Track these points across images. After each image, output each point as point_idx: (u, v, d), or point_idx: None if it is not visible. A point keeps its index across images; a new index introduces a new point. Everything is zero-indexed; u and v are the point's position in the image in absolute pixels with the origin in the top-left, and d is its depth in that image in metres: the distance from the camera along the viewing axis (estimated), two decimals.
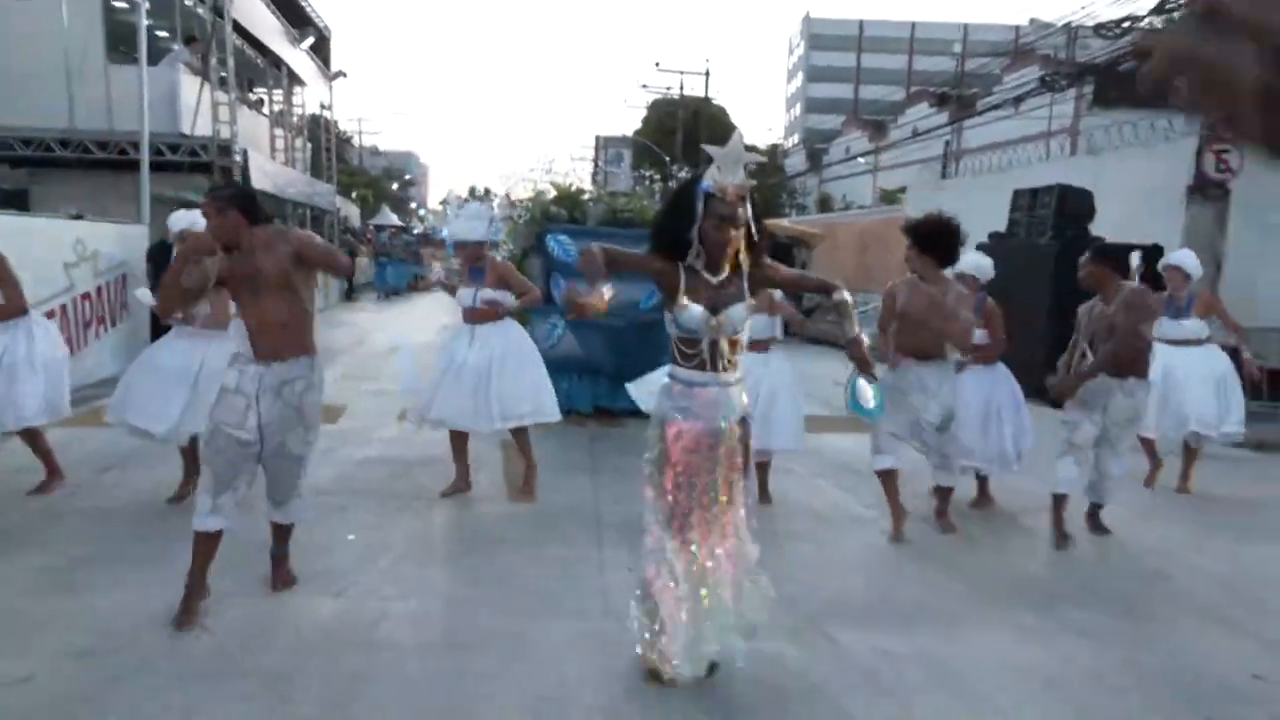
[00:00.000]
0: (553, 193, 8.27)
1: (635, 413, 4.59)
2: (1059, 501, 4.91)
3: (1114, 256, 4.97)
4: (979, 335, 5.37)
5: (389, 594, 3.91)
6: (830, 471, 6.35)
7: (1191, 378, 5.98)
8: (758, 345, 5.23)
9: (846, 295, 3.12)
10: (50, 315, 7.62)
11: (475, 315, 5.34)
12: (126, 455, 5.96)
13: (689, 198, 2.93)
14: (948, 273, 5.03)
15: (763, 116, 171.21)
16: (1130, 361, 4.83)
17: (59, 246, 8.61)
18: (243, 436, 3.50)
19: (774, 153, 44.98)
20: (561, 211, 7.97)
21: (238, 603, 3.72)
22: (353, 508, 5.14)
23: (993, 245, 11.57)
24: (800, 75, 73.81)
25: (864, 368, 3.07)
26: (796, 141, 58.44)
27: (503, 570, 4.25)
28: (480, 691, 3.08)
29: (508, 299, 5.35)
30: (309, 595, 3.84)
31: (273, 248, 3.51)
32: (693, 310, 2.91)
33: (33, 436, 5.19)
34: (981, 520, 5.42)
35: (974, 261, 5.47)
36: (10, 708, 2.90)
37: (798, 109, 73.68)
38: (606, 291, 2.79)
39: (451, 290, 5.51)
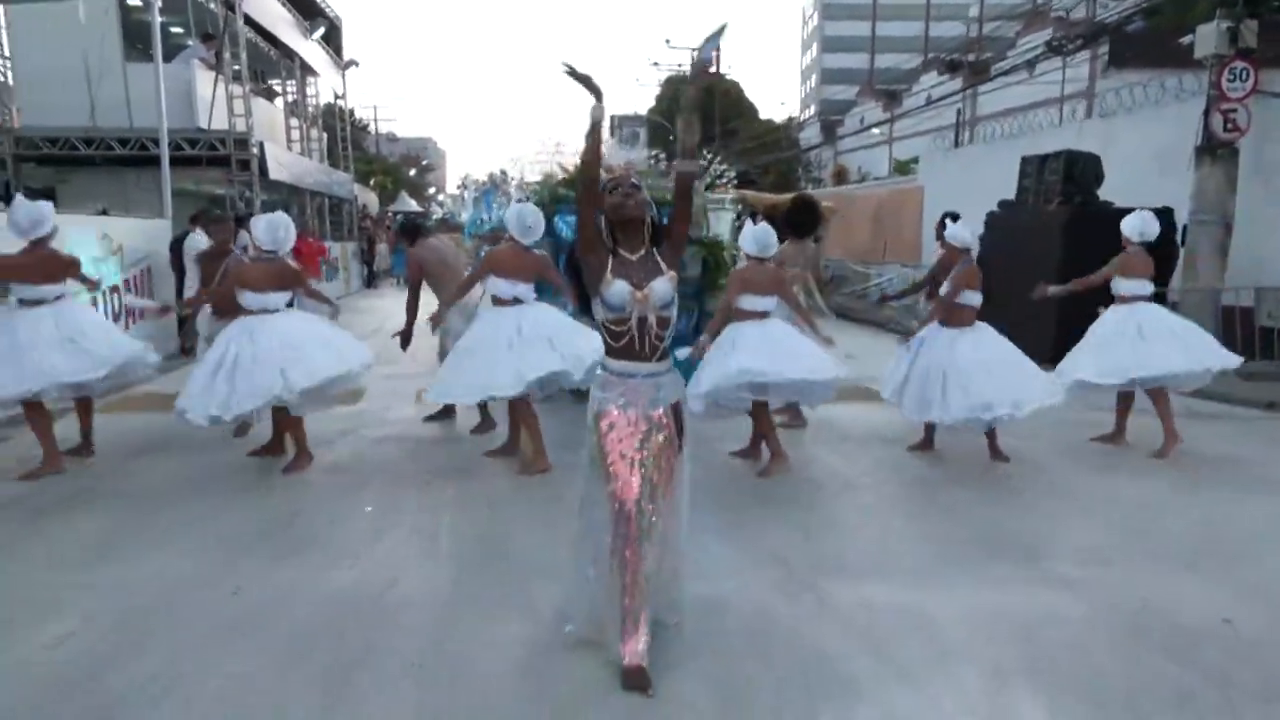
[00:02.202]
0: (561, 175, 8.41)
1: None
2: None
3: None
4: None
5: (401, 564, 4.15)
6: (830, 440, 6.51)
7: (1160, 333, 6.00)
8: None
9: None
10: None
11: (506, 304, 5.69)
12: (158, 441, 6.26)
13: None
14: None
15: (778, 90, 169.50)
16: None
17: (88, 242, 8.92)
18: None
19: (788, 126, 44.70)
20: (571, 193, 8.10)
21: (265, 570, 4.00)
22: (369, 483, 5.41)
23: (1002, 213, 11.62)
24: (815, 46, 73.03)
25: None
26: (813, 114, 57.87)
27: (511, 541, 4.47)
28: (488, 655, 3.26)
29: (529, 295, 5.71)
30: (327, 565, 4.10)
31: None
32: (617, 285, 2.98)
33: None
34: (971, 480, 5.58)
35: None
36: (56, 660, 3.19)
37: (814, 80, 72.97)
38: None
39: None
